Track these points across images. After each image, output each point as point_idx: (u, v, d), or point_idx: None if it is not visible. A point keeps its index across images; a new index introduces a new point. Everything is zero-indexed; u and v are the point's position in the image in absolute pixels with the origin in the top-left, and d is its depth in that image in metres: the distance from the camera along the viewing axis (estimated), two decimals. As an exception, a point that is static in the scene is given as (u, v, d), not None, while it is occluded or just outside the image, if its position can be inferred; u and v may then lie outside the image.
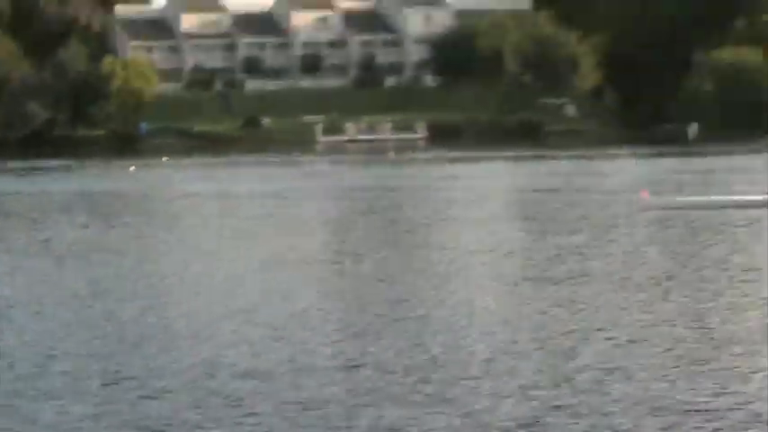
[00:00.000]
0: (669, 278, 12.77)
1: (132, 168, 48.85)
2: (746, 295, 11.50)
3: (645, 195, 20.36)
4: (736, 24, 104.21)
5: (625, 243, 15.89)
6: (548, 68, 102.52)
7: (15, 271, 15.15)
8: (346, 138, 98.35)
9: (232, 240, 18.19)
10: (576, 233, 17.48)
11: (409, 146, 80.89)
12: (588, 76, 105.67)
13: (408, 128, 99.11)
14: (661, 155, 54.51)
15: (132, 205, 27.62)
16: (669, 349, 9.95)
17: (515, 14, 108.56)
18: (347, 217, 23.57)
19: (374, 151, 75.78)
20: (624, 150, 62.17)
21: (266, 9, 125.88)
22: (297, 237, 18.51)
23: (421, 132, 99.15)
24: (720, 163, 43.93)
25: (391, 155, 63.25)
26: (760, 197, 20.98)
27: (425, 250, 16.45)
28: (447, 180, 38.80)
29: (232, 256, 15.56)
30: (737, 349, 9.72)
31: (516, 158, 54.47)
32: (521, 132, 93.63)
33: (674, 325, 10.58)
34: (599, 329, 10.70)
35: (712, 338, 10.13)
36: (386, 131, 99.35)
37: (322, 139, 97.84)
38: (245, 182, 38.28)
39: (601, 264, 13.82)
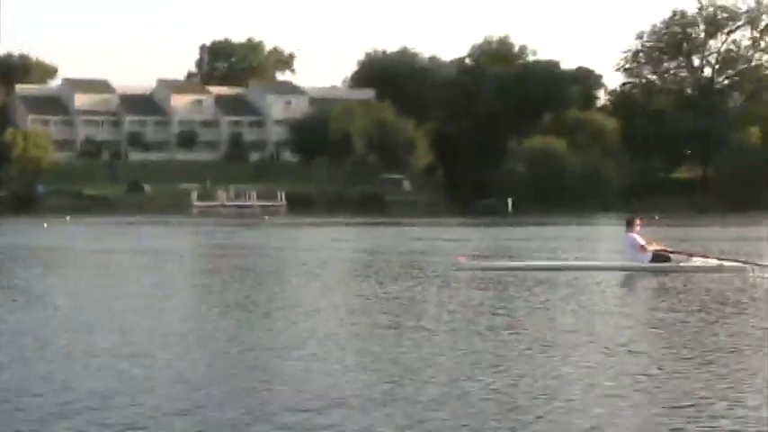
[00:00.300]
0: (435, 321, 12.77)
1: (45, 225, 49.54)
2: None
3: (461, 258, 20.16)
4: (545, 118, 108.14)
5: (429, 294, 15.81)
6: (389, 149, 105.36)
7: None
8: (218, 203, 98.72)
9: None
10: (393, 284, 17.53)
11: (272, 212, 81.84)
12: (422, 156, 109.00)
13: (271, 196, 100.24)
14: (487, 224, 54.80)
15: (62, 256, 27.57)
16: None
17: (362, 103, 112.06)
18: (206, 268, 23.78)
19: (243, 215, 76.34)
20: (453, 220, 62.44)
21: (149, 91, 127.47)
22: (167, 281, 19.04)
23: (281, 200, 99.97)
24: (535, 232, 43.95)
25: (265, 218, 64.50)
26: (560, 262, 21.23)
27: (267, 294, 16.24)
28: (304, 239, 39.35)
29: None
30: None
31: (362, 224, 55.21)
32: (364, 203, 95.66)
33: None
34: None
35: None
36: (252, 199, 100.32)
37: (197, 204, 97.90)
38: (139, 238, 38.91)
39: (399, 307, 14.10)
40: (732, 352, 10.36)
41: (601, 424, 7.37)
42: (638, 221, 20.16)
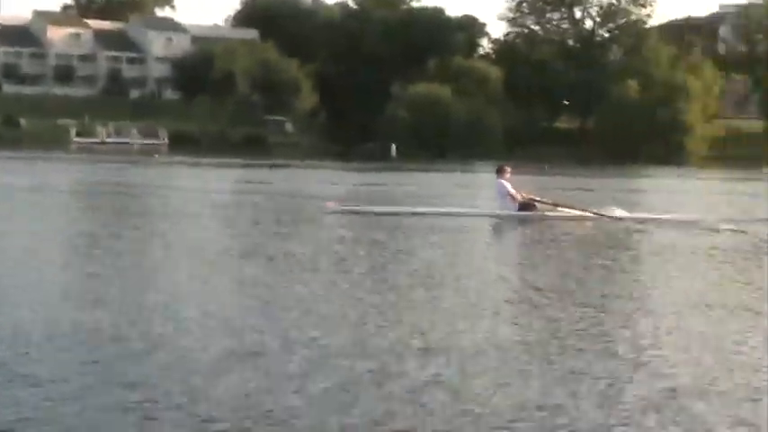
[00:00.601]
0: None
1: None
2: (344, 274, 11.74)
3: (329, 204, 20.27)
4: (429, 64, 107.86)
5: (290, 236, 15.90)
6: (272, 90, 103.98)
7: None
8: (98, 140, 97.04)
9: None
10: (254, 227, 17.59)
11: (155, 149, 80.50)
12: (306, 98, 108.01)
13: (153, 134, 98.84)
14: (367, 169, 54.81)
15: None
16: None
17: (246, 42, 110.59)
18: (83, 206, 23.37)
19: (123, 153, 75.26)
20: (334, 163, 62.36)
21: (24, 23, 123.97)
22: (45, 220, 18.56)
23: (164, 139, 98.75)
24: (415, 178, 43.87)
25: (156, 157, 63.12)
26: (429, 208, 21.36)
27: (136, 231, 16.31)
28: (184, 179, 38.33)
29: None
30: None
31: (243, 165, 54.70)
32: (247, 144, 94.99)
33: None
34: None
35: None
36: (133, 136, 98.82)
37: (76, 140, 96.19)
38: (19, 174, 37.55)
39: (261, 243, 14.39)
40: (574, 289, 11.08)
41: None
42: (507, 169, 20.74)
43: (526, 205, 20.27)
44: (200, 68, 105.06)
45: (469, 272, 12.53)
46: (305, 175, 44.87)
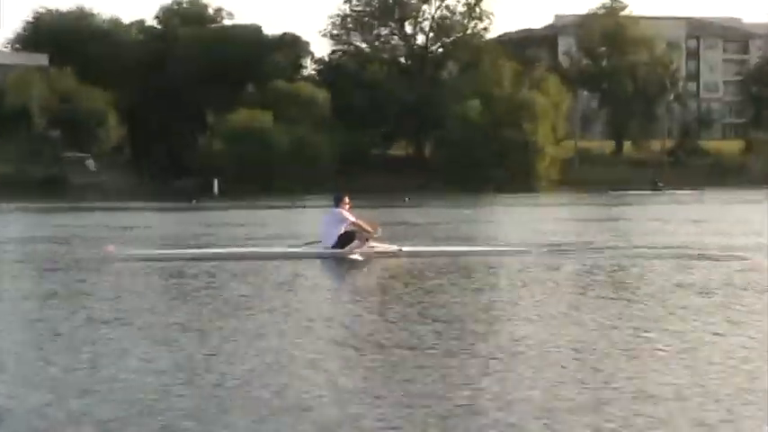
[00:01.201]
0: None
1: None
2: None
3: (110, 248, 20.40)
4: (248, 88, 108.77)
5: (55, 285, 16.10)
6: (73, 123, 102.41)
7: None
8: None
9: None
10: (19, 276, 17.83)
11: None
12: (112, 130, 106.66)
13: None
14: (188, 209, 54.32)
15: None
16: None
17: (39, 69, 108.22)
18: None
19: None
20: (142, 204, 61.52)
21: None
22: None
23: None
24: (233, 217, 43.68)
25: None
26: (231, 250, 21.91)
27: None
28: None
29: None
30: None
31: (38, 210, 53.87)
32: (46, 185, 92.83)
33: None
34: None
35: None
36: None
37: None
38: None
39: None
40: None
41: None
42: (347, 200, 21.17)
43: (350, 237, 20.67)
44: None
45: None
46: (110, 218, 44.01)
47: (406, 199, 60.41)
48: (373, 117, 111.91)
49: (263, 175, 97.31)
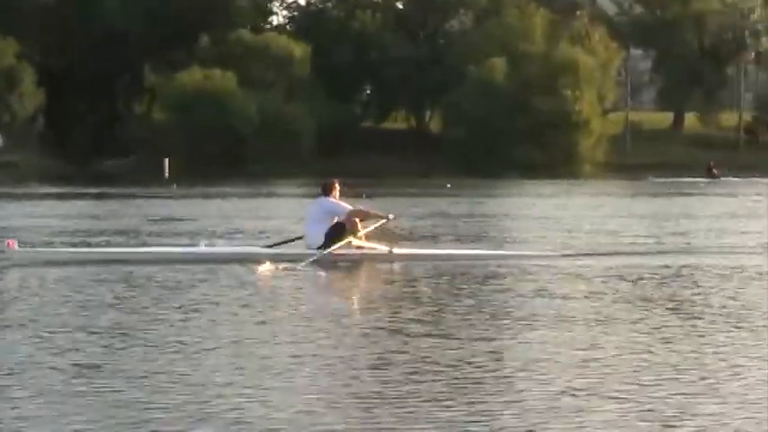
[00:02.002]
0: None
1: None
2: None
3: (11, 243, 19.95)
4: (202, 42, 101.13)
5: None
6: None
7: None
8: None
9: None
10: None
11: None
12: (29, 95, 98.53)
13: None
14: (137, 195, 53.48)
15: None
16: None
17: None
18: None
19: None
20: (71, 189, 60.33)
21: None
22: None
23: None
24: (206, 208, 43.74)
25: None
26: (156, 249, 22.36)
27: None
28: None
29: None
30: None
31: None
32: None
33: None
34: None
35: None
36: None
37: None
38: None
39: None
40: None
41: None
42: (336, 186, 21.62)
43: (340, 229, 21.07)
44: None
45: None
46: (20, 208, 42.99)
47: (448, 185, 59.99)
48: (363, 80, 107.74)
49: (224, 155, 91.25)
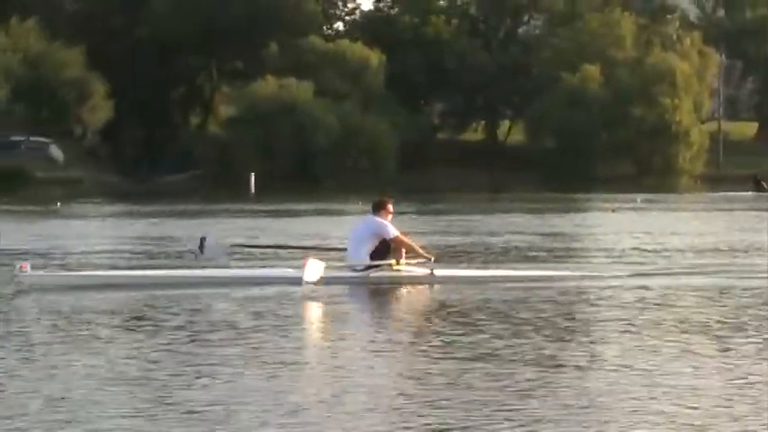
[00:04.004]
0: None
1: None
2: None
3: (25, 267, 19.87)
4: (271, 49, 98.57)
5: None
6: (46, 96, 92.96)
7: None
8: None
9: None
10: None
11: None
12: (100, 107, 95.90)
13: None
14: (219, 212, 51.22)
15: None
16: None
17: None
18: None
19: None
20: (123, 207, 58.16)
21: None
22: None
23: None
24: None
25: None
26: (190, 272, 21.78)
27: None
28: None
29: None
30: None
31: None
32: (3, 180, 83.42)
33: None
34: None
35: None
36: None
37: None
38: None
39: None
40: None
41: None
42: (390, 206, 21.16)
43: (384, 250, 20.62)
44: None
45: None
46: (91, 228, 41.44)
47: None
48: (438, 89, 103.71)
49: (299, 169, 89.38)
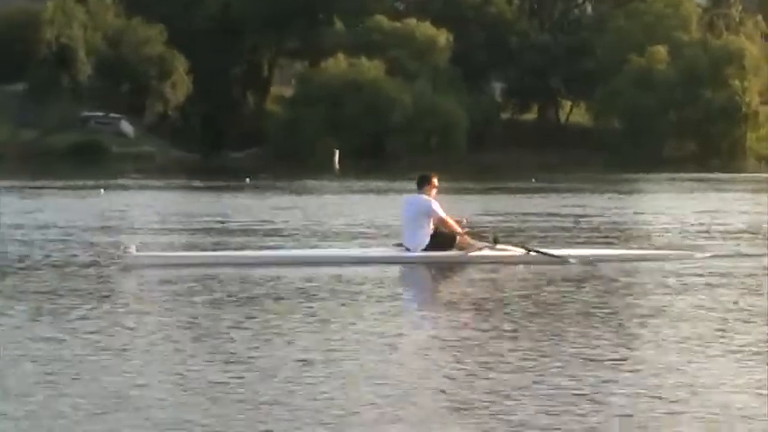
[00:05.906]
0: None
1: None
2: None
3: (132, 248, 19.79)
4: (336, 26, 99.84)
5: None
6: (129, 73, 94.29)
7: None
8: None
9: None
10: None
11: None
12: (182, 85, 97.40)
13: None
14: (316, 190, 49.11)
15: None
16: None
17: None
18: None
19: None
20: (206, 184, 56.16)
21: None
22: None
23: None
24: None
25: None
26: (282, 252, 21.55)
27: None
28: None
29: None
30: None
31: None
32: (78, 156, 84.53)
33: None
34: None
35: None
36: None
37: None
38: None
39: None
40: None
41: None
42: (435, 181, 20.63)
43: (449, 239, 20.06)
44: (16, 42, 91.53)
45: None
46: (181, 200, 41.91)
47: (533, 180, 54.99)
48: (501, 68, 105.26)
49: (374, 148, 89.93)
